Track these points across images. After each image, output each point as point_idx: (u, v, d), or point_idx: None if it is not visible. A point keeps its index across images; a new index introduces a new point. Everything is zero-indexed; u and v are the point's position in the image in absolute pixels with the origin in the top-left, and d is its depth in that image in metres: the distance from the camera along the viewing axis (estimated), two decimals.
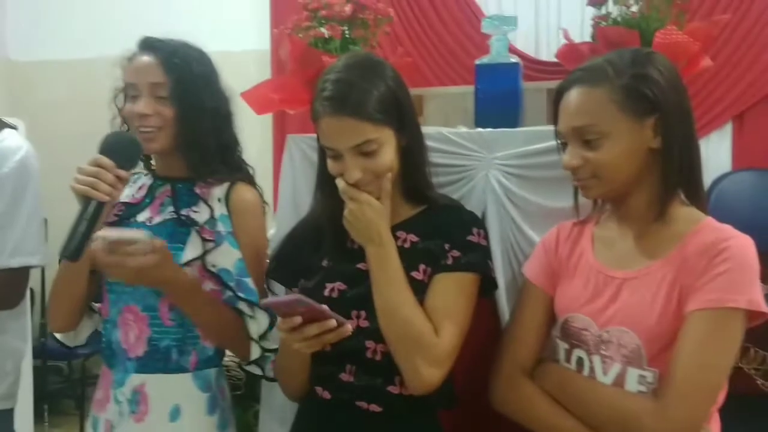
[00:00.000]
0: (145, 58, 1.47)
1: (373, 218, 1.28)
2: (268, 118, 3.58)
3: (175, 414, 1.46)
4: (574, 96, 1.25)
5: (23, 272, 1.67)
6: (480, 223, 1.40)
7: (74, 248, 1.27)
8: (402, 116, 1.32)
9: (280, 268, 1.46)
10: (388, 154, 1.30)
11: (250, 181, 1.57)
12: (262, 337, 1.48)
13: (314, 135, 1.78)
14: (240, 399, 1.66)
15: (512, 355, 1.36)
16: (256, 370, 1.53)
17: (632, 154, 1.22)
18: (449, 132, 1.59)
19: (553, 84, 1.74)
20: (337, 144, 1.29)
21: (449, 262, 1.31)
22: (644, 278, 1.24)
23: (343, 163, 1.29)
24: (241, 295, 1.46)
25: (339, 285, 1.35)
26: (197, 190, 1.50)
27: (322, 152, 1.36)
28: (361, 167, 1.28)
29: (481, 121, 1.64)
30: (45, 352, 3.51)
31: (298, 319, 1.18)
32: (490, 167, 1.55)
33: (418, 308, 1.28)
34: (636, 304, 1.23)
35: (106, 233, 1.32)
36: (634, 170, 1.23)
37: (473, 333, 1.34)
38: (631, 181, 1.25)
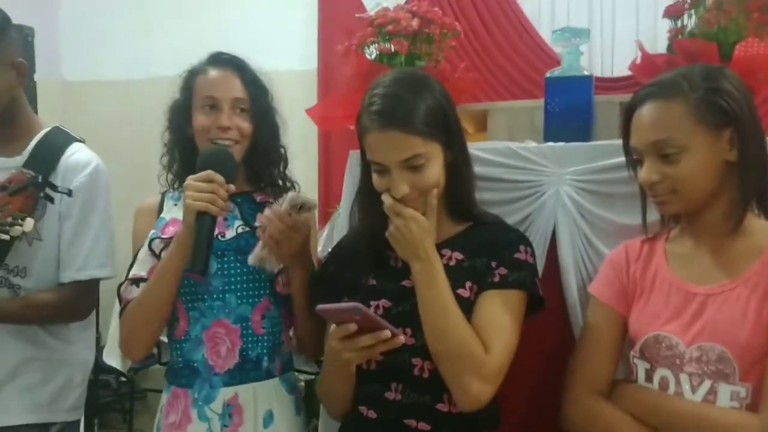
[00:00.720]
0: (226, 73, 1.50)
1: (419, 234, 1.26)
2: (313, 136, 3.61)
3: (268, 419, 1.48)
4: (649, 110, 1.24)
5: (91, 285, 1.68)
6: (526, 240, 1.38)
7: (203, 264, 1.32)
8: (449, 131, 1.31)
9: (322, 286, 1.44)
10: (436, 169, 1.29)
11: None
12: None
13: None
14: None
15: (586, 377, 1.33)
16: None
17: (710, 167, 1.22)
18: (517, 147, 1.56)
19: (626, 97, 1.72)
20: (384, 158, 1.27)
21: (496, 279, 1.30)
22: (730, 293, 1.22)
23: (389, 179, 1.28)
24: None
25: (384, 302, 1.33)
26: (258, 199, 1.54)
27: (365, 168, 1.36)
28: (408, 182, 1.27)
29: (550, 135, 1.61)
30: (95, 366, 3.53)
31: (353, 327, 1.18)
32: (561, 183, 1.52)
33: (467, 325, 1.26)
34: (725, 319, 1.21)
35: (288, 199, 1.37)
36: (711, 184, 1.23)
37: (539, 353, 1.31)
38: (709, 194, 1.24)
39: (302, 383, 2.00)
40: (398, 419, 1.30)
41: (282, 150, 1.59)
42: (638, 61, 1.60)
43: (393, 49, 1.66)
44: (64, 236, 1.64)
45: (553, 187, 1.52)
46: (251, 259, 1.41)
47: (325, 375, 1.41)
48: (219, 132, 1.46)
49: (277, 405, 1.50)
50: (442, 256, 1.32)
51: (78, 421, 1.76)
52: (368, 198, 1.35)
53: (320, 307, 1.21)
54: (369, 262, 1.38)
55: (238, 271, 1.47)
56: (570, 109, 1.61)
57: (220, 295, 1.46)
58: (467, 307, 1.28)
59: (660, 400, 1.26)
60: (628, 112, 1.28)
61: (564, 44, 1.65)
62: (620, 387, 1.32)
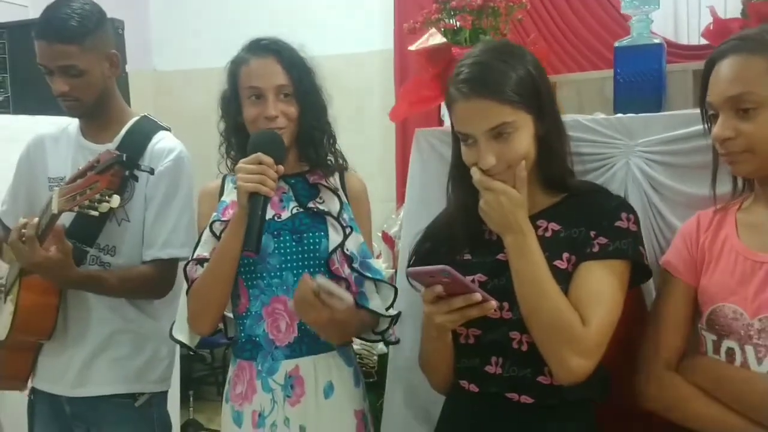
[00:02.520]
0: (266, 61, 1.52)
1: (509, 207, 1.24)
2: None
3: (329, 390, 1.53)
4: (729, 64, 1.19)
5: (172, 264, 1.77)
6: (629, 207, 1.32)
7: (256, 242, 1.37)
8: (541, 103, 1.28)
9: (419, 263, 1.45)
10: (525, 140, 1.26)
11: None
12: (388, 308, 1.53)
13: (442, 128, 1.79)
14: (372, 386, 1.69)
15: (657, 351, 1.30)
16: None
17: None
18: (586, 119, 1.52)
19: (700, 65, 1.64)
20: (472, 128, 1.26)
21: (595, 249, 1.26)
22: None
23: (477, 150, 1.26)
24: (367, 274, 1.53)
25: (479, 277, 1.32)
26: (311, 180, 1.57)
27: (456, 143, 1.35)
28: (495, 153, 1.25)
29: (620, 106, 1.56)
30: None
31: (439, 288, 1.18)
32: (632, 154, 1.47)
33: (563, 297, 1.23)
34: None
35: (323, 281, 1.38)
36: None
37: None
38: None
39: (375, 357, 2.03)
40: (500, 393, 1.30)
41: (328, 127, 1.60)
42: (711, 27, 1.52)
43: (457, 25, 1.65)
44: (148, 217, 1.74)
45: (623, 159, 1.48)
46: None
47: (423, 345, 1.42)
48: (267, 122, 1.49)
49: (337, 376, 1.54)
50: (537, 227, 1.30)
51: (165, 393, 1.87)
52: (460, 173, 1.35)
53: (410, 269, 1.22)
54: (464, 237, 1.38)
55: (294, 249, 1.51)
56: (640, 79, 1.55)
57: (278, 273, 1.51)
58: (565, 278, 1.26)
59: (726, 372, 1.22)
60: (708, 67, 1.23)
61: (634, 12, 1.59)
62: (689, 359, 1.29)
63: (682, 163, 1.44)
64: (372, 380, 2.01)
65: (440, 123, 2.80)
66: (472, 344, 1.32)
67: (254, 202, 1.39)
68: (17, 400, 1.87)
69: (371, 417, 1.63)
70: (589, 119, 1.52)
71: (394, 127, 3.70)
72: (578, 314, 1.22)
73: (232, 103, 1.56)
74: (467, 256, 1.37)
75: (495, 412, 1.31)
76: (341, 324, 1.40)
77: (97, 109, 1.76)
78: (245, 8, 4.17)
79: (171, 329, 1.55)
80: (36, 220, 1.55)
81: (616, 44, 1.61)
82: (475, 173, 1.27)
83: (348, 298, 1.39)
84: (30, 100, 2.70)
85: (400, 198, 3.04)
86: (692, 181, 1.43)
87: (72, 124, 1.85)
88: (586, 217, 1.29)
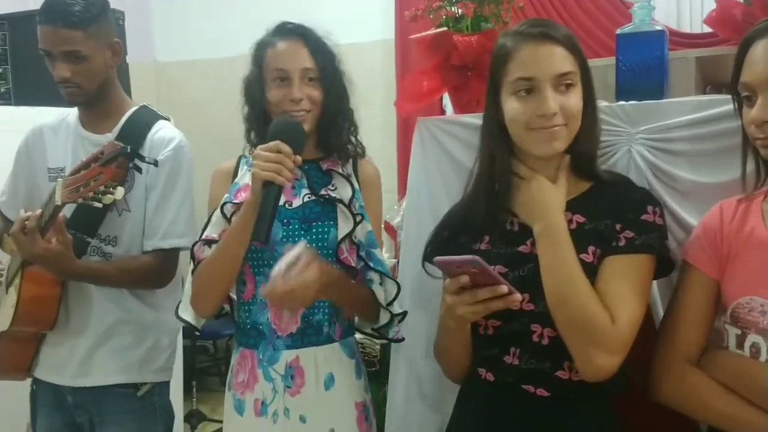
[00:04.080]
0: (293, 44, 1.51)
1: (544, 196, 1.25)
2: (392, 107, 3.62)
3: (329, 382, 1.52)
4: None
5: (173, 253, 1.77)
6: (654, 200, 1.30)
7: (266, 232, 1.35)
8: (586, 71, 1.29)
9: (436, 252, 1.42)
10: (580, 99, 1.27)
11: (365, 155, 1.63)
12: (390, 303, 1.53)
13: (445, 117, 1.78)
14: (374, 376, 1.69)
15: (676, 344, 1.27)
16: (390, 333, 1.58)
17: None
18: None
19: (703, 53, 1.63)
20: (541, 72, 1.25)
21: (622, 243, 1.24)
22: None
23: (538, 98, 1.25)
24: (371, 264, 1.51)
25: (500, 268, 1.29)
26: (325, 167, 1.56)
27: (487, 129, 1.35)
28: (558, 102, 1.25)
29: (622, 93, 1.55)
30: (193, 331, 3.72)
31: (465, 279, 1.16)
32: (633, 142, 1.46)
33: (593, 293, 1.20)
34: None
35: (274, 274, 1.34)
36: None
37: None
38: None
39: (378, 346, 2.03)
40: (516, 384, 1.29)
41: (350, 115, 1.60)
42: (714, 14, 1.51)
43: (459, 13, 1.64)
44: (149, 207, 1.74)
45: (624, 146, 1.46)
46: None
47: (440, 335, 1.40)
48: (291, 104, 1.49)
49: (338, 368, 1.54)
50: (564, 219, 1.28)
51: (167, 382, 1.87)
52: (492, 159, 1.34)
53: (438, 258, 1.20)
54: (485, 226, 1.36)
55: (302, 239, 1.50)
56: (642, 67, 1.53)
57: None
58: (591, 272, 1.23)
59: (749, 367, 1.18)
60: (744, 47, 1.18)
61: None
62: (710, 354, 1.25)
63: (684, 151, 1.42)
64: (374, 369, 2.01)
65: (442, 112, 2.79)
66: (491, 335, 1.31)
67: (268, 190, 1.37)
68: (19, 390, 1.86)
69: (373, 408, 1.62)
70: None
71: (395, 118, 3.70)
72: (606, 311, 1.19)
73: (256, 86, 1.55)
74: (486, 246, 1.36)
75: (509, 402, 1.30)
76: (321, 278, 1.36)
77: (97, 98, 1.75)
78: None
79: (177, 308, 1.55)
80: (39, 211, 1.55)
81: (618, 31, 1.59)
82: (523, 170, 1.30)
83: (300, 250, 1.36)
84: (31, 91, 2.70)
85: (402, 189, 3.04)
86: (695, 168, 1.41)
87: (71, 114, 1.85)
88: (611, 210, 1.27)
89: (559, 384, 1.26)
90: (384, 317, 1.54)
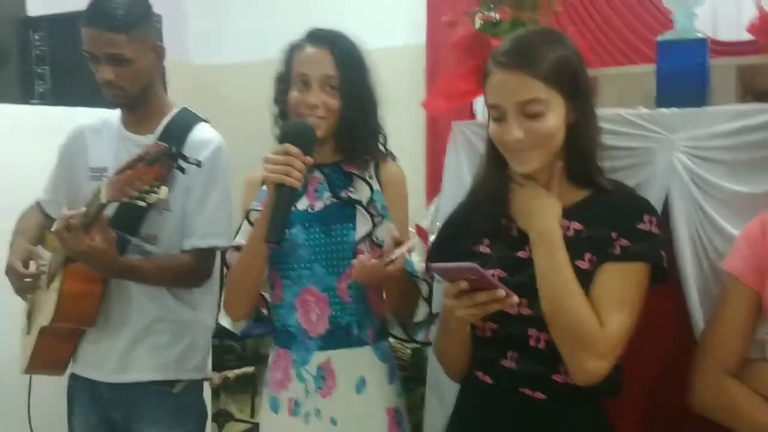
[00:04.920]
0: (319, 50, 1.53)
1: (539, 204, 1.26)
2: (421, 112, 3.62)
3: (360, 386, 1.53)
4: None
5: (211, 253, 1.79)
6: (652, 209, 1.31)
7: (278, 234, 1.36)
8: (576, 89, 1.27)
9: (439, 252, 1.46)
10: (554, 121, 1.25)
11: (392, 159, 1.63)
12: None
13: (478, 121, 1.78)
14: (406, 380, 1.69)
15: (716, 356, 1.28)
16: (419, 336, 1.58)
17: None
18: (628, 113, 1.51)
19: (744, 61, 1.61)
20: (503, 99, 1.26)
21: (617, 251, 1.25)
22: None
23: (505, 125, 1.26)
24: None
25: (499, 272, 1.32)
26: (346, 169, 1.57)
27: (488, 134, 1.34)
28: (524, 128, 1.24)
29: (663, 101, 1.54)
30: (221, 331, 3.75)
31: (464, 284, 1.18)
32: (674, 149, 1.45)
33: (584, 299, 1.23)
34: None
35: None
36: None
37: (650, 329, 1.27)
38: None
39: (409, 351, 2.03)
40: (514, 387, 1.30)
41: (376, 122, 1.60)
42: (757, 22, 1.50)
43: (497, 17, 1.64)
44: (188, 207, 1.76)
45: (665, 154, 1.46)
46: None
47: (440, 336, 1.43)
48: (307, 109, 1.51)
49: (370, 372, 1.54)
50: (560, 226, 1.29)
51: (201, 381, 1.90)
52: (492, 164, 1.35)
53: (435, 265, 1.22)
54: (486, 229, 1.38)
55: (322, 241, 1.52)
56: (683, 74, 1.52)
57: (308, 265, 1.52)
58: (586, 279, 1.25)
59: None
60: None
61: (678, 6, 1.56)
62: (752, 366, 1.26)
63: (725, 159, 1.42)
64: (405, 374, 2.01)
65: (472, 117, 2.79)
66: (489, 337, 1.33)
67: (280, 192, 1.39)
68: (56, 386, 1.90)
69: (406, 414, 1.62)
70: (632, 113, 1.50)
71: (424, 122, 3.70)
72: (596, 317, 1.21)
73: (282, 87, 1.57)
74: (486, 249, 1.37)
75: (507, 405, 1.32)
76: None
77: (140, 100, 1.78)
78: (280, 3, 4.19)
79: (218, 316, 1.57)
80: (83, 209, 1.58)
81: (659, 38, 1.59)
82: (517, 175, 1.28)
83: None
84: (69, 91, 2.76)
85: (430, 192, 3.05)
86: (735, 178, 1.40)
87: (112, 115, 1.88)
88: (608, 218, 1.28)
89: (555, 387, 1.27)
90: (421, 312, 1.53)
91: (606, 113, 1.52)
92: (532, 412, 1.29)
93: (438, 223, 2.35)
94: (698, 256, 1.43)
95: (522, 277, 1.29)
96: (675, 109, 1.48)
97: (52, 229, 1.62)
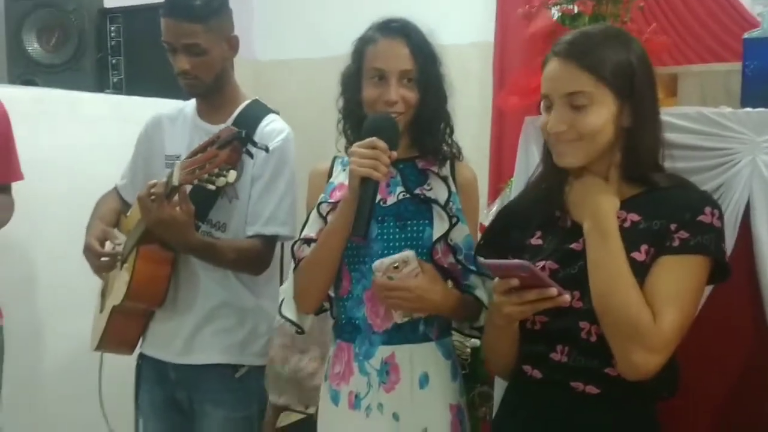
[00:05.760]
0: (394, 42, 1.50)
1: (595, 195, 1.24)
2: (486, 111, 3.58)
3: (424, 381, 1.51)
4: None
5: (273, 241, 1.81)
6: (714, 202, 1.27)
7: (365, 227, 1.37)
8: (632, 92, 1.25)
9: (488, 244, 1.44)
10: (600, 118, 1.24)
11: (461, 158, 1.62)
12: None
13: None
14: (464, 379, 1.67)
15: None
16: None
17: None
18: (711, 112, 1.47)
19: None
20: (552, 89, 1.26)
21: (675, 243, 1.21)
22: None
23: (551, 116, 1.26)
24: (472, 267, 1.51)
25: (551, 264, 1.30)
26: (420, 165, 1.56)
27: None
28: (567, 120, 1.24)
29: (748, 100, 1.49)
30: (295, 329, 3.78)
31: (515, 281, 1.17)
32: (759, 151, 1.41)
33: (637, 291, 1.19)
34: None
35: (377, 265, 1.42)
36: None
37: (726, 330, 1.23)
38: None
39: (468, 349, 2.02)
40: (564, 381, 1.28)
41: (448, 117, 1.59)
42: None
43: (576, 10, 1.61)
44: (253, 193, 1.78)
45: (749, 155, 1.42)
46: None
47: (488, 331, 1.42)
48: (385, 105, 1.49)
49: (433, 368, 1.52)
50: (616, 217, 1.27)
51: (263, 367, 1.91)
52: (549, 156, 1.34)
53: (486, 261, 1.21)
54: (538, 222, 1.37)
55: (397, 236, 1.51)
56: None
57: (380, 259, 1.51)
58: (642, 271, 1.22)
59: None
60: None
61: (764, 3, 1.51)
62: None
63: None
64: (464, 372, 1.99)
65: (540, 112, 2.75)
66: (538, 330, 1.31)
67: (366, 186, 1.38)
68: (124, 365, 1.95)
69: (467, 412, 1.61)
70: (715, 112, 1.46)
71: (489, 121, 3.66)
72: (649, 310, 1.18)
73: (353, 81, 1.55)
74: (539, 242, 1.35)
75: (558, 400, 1.29)
76: (429, 292, 1.42)
77: (213, 90, 1.82)
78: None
79: (280, 307, 1.58)
80: (164, 180, 1.61)
81: (746, 36, 1.54)
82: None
83: (407, 256, 1.41)
84: (142, 82, 2.83)
85: (492, 191, 3.02)
86: None
87: (189, 105, 1.92)
88: (667, 210, 1.24)
89: (608, 381, 1.24)
90: (483, 318, 1.52)
91: (687, 111, 1.49)
92: (583, 407, 1.27)
93: None
94: None
95: (574, 269, 1.27)
96: (762, 109, 1.43)
97: (138, 195, 1.64)
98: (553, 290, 1.16)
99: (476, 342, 2.02)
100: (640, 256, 1.23)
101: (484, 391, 1.89)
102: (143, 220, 1.66)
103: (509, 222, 1.43)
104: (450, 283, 1.53)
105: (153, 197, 1.59)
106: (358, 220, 1.37)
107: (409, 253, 1.42)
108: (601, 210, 1.24)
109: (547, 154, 1.36)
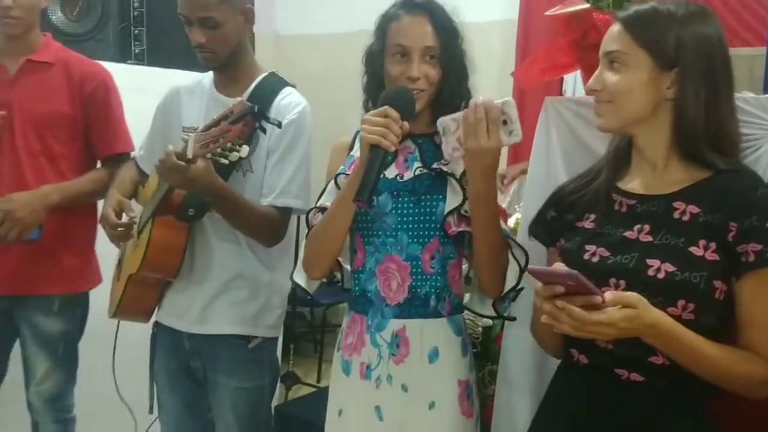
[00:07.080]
0: (417, 19, 1.50)
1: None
2: (508, 90, 3.55)
3: (433, 356, 1.53)
4: None
5: (286, 213, 1.82)
6: None
7: (368, 193, 1.36)
8: (680, 61, 1.23)
9: (540, 225, 1.44)
10: (629, 79, 1.26)
11: None
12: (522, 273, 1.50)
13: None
14: (475, 357, 1.68)
15: None
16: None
17: None
18: None
19: None
20: (602, 47, 1.30)
21: (751, 258, 1.17)
22: None
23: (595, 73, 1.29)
24: None
25: (601, 251, 1.28)
26: (439, 141, 1.53)
27: None
28: (602, 80, 1.28)
29: None
30: (293, 298, 3.84)
31: (560, 289, 1.15)
32: None
33: (724, 354, 1.18)
34: None
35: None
36: None
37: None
38: None
39: (480, 328, 2.02)
40: (609, 368, 1.27)
41: (469, 95, 1.57)
42: None
43: None
44: (268, 166, 1.79)
45: None
46: (445, 153, 1.43)
47: (535, 315, 1.41)
48: (408, 82, 1.49)
49: (444, 343, 1.54)
50: (674, 209, 1.25)
51: (276, 339, 1.94)
52: (617, 137, 1.34)
53: (532, 268, 1.20)
54: (593, 205, 1.35)
55: (411, 211, 1.52)
56: None
57: (393, 233, 1.52)
58: (699, 266, 1.19)
59: None
60: None
61: None
62: None
63: None
64: (475, 351, 2.00)
65: (560, 93, 2.72)
66: None
67: (374, 153, 1.39)
68: (140, 332, 1.98)
69: (476, 389, 1.62)
70: (737, 98, 1.42)
71: (511, 94, 3.63)
72: (747, 354, 1.18)
73: (376, 58, 1.55)
74: (591, 225, 1.34)
75: (601, 385, 1.28)
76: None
77: (229, 63, 1.82)
78: None
79: (292, 273, 1.60)
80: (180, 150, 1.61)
81: None
82: None
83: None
84: (163, 53, 2.84)
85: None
86: None
87: (207, 77, 1.93)
88: (730, 205, 1.21)
89: (653, 369, 1.23)
90: (510, 282, 1.50)
91: None
92: (627, 394, 1.26)
93: (517, 206, 2.32)
94: None
95: (626, 257, 1.25)
96: None
97: (157, 161, 1.65)
98: (599, 298, 1.14)
99: (488, 321, 2.03)
100: (698, 250, 1.21)
101: (494, 370, 1.90)
102: (165, 184, 1.68)
103: (561, 208, 1.42)
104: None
105: (171, 168, 1.58)
106: (362, 185, 1.37)
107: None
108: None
109: (616, 135, 1.36)
